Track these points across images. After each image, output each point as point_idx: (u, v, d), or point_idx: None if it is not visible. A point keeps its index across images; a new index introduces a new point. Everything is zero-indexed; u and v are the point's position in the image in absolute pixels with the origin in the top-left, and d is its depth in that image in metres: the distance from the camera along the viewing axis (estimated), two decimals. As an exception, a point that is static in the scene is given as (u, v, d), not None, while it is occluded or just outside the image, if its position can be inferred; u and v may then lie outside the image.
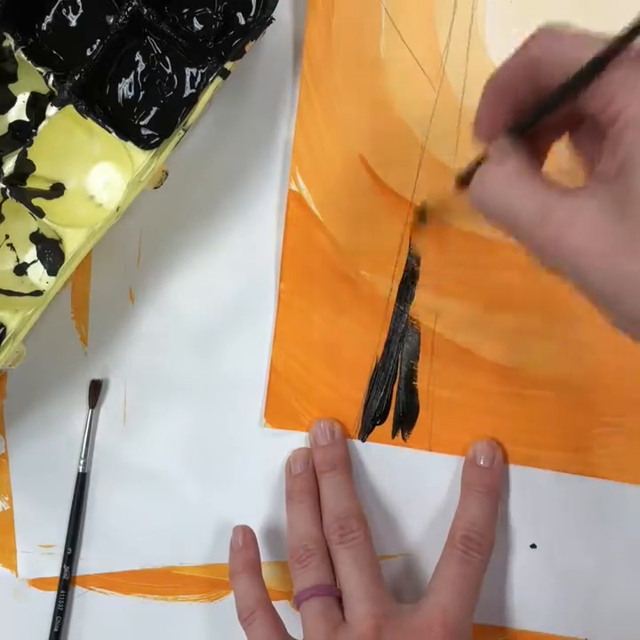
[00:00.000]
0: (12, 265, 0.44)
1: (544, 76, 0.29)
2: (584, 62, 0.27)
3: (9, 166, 0.42)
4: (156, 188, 0.43)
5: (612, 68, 0.27)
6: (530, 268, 0.44)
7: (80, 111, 0.41)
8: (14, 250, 0.44)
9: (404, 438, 0.45)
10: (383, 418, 0.45)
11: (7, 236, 0.44)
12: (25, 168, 0.42)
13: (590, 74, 0.27)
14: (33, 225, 0.43)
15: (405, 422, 0.45)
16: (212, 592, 0.47)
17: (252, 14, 0.42)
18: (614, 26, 0.42)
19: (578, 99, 0.28)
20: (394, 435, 0.45)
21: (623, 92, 0.27)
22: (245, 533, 0.44)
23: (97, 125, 0.41)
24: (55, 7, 0.43)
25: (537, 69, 0.29)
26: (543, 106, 0.29)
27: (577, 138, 0.32)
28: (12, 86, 0.43)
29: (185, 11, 0.42)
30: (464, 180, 0.35)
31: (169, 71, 0.43)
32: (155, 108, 0.43)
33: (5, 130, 0.43)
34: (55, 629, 0.47)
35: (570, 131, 0.32)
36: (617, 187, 0.27)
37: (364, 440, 0.45)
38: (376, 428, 0.45)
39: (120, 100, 0.43)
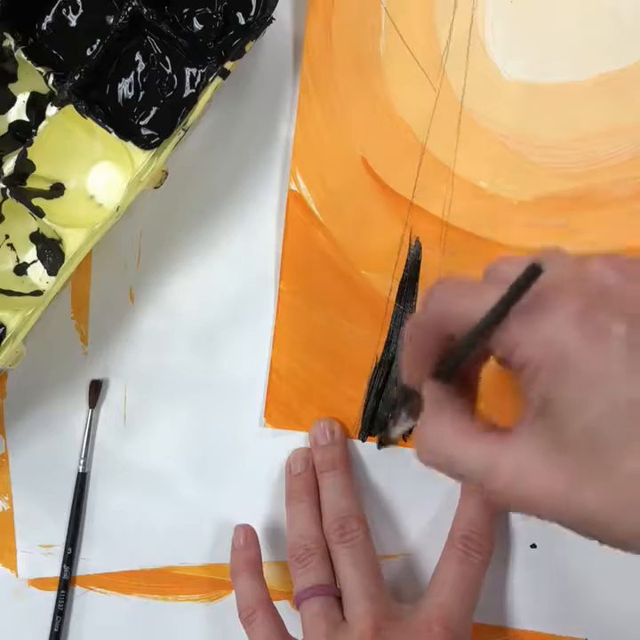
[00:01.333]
0: (12, 265, 0.44)
1: (451, 326, 0.30)
2: (482, 313, 0.28)
3: (9, 166, 0.42)
4: (156, 188, 0.44)
5: (512, 315, 0.27)
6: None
7: (80, 111, 0.41)
8: (14, 250, 0.44)
9: (404, 439, 0.45)
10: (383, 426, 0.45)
11: (7, 236, 0.44)
12: (25, 168, 0.42)
13: (491, 324, 0.28)
14: (33, 225, 0.43)
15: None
16: (212, 592, 0.47)
17: (252, 14, 0.42)
18: (614, 26, 0.42)
19: (486, 344, 0.29)
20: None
21: (526, 339, 0.27)
22: (247, 532, 0.45)
23: (97, 125, 0.41)
24: (55, 7, 0.43)
25: (443, 321, 0.30)
26: (455, 356, 0.31)
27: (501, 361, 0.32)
28: (11, 86, 0.43)
29: (185, 11, 0.42)
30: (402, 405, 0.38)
31: (169, 71, 0.43)
32: (155, 108, 0.43)
33: (5, 130, 0.43)
34: (55, 629, 0.47)
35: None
36: (547, 426, 0.27)
37: (364, 440, 0.45)
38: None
39: (120, 100, 0.43)
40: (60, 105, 0.41)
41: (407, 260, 0.44)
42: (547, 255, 0.28)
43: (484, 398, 0.34)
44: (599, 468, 0.26)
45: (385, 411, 0.45)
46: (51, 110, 0.41)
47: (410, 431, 0.43)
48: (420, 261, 0.44)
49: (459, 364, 0.31)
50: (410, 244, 0.44)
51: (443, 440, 0.30)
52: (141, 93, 0.43)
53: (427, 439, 0.31)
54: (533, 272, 0.26)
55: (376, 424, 0.45)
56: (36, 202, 0.42)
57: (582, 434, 0.26)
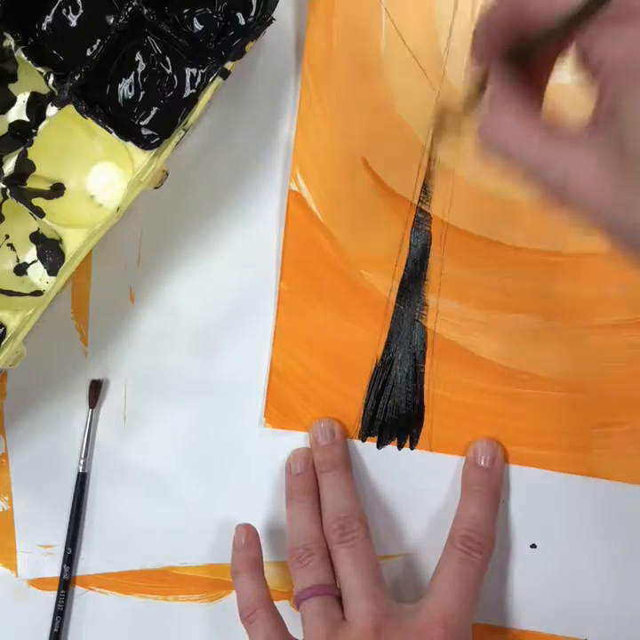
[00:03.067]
0: (12, 265, 0.44)
1: (528, 16, 0.28)
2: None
3: (9, 166, 0.42)
4: (156, 188, 0.43)
5: (600, 13, 0.26)
6: (530, 268, 0.44)
7: (80, 111, 0.41)
8: (14, 250, 0.44)
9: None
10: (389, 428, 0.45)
11: (7, 236, 0.44)
12: (25, 168, 0.42)
13: (577, 17, 0.26)
14: (33, 225, 0.43)
15: (411, 425, 0.45)
16: (213, 592, 0.47)
17: (252, 14, 0.42)
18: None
19: (567, 35, 0.28)
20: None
21: (611, 37, 0.26)
22: (248, 532, 0.44)
23: (97, 125, 0.41)
24: (55, 7, 0.43)
25: (530, 5, 0.28)
26: (531, 42, 0.29)
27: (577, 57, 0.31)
28: (11, 86, 0.43)
29: (185, 11, 0.42)
30: (468, 107, 0.35)
31: (169, 71, 0.43)
32: (155, 108, 0.43)
33: (5, 130, 0.43)
34: (55, 629, 0.47)
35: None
36: (610, 134, 0.26)
37: (364, 440, 0.45)
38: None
39: (120, 99, 0.43)
40: (60, 105, 0.41)
41: (408, 256, 0.44)
42: None
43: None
44: None
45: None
46: (51, 110, 0.41)
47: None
48: (428, 250, 0.44)
49: (534, 49, 0.29)
50: (411, 240, 0.44)
51: (505, 128, 0.29)
52: (141, 93, 0.43)
53: (490, 128, 0.29)
54: None
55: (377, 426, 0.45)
56: (36, 202, 0.42)
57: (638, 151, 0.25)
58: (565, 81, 0.31)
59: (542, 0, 0.28)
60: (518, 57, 0.30)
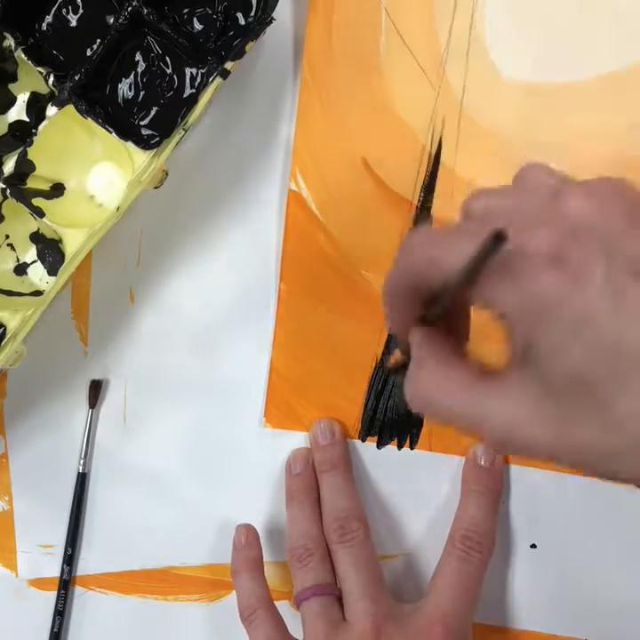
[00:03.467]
0: (12, 265, 0.44)
1: (425, 278, 0.29)
2: (453, 263, 0.27)
3: (9, 166, 0.42)
4: (156, 188, 0.43)
5: (484, 271, 0.26)
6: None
7: (80, 111, 0.41)
8: (14, 250, 0.44)
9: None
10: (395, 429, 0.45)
11: (7, 236, 0.44)
12: (25, 168, 0.42)
13: (462, 283, 0.27)
14: (33, 225, 0.43)
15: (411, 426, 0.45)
16: (213, 592, 0.47)
17: (252, 14, 0.42)
18: (614, 26, 0.42)
19: (462, 298, 0.28)
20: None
21: (501, 292, 0.26)
22: (248, 532, 0.44)
23: (97, 125, 0.41)
24: (55, 7, 0.43)
25: (416, 273, 0.29)
26: (434, 306, 0.30)
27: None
28: (11, 86, 0.43)
29: (185, 11, 0.42)
30: (398, 372, 0.36)
31: (169, 71, 0.43)
32: (155, 108, 0.43)
33: (5, 130, 0.43)
34: (55, 629, 0.47)
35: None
36: (532, 374, 0.27)
37: (363, 440, 0.45)
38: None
39: (120, 100, 0.43)
40: (60, 105, 0.41)
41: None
42: (518, 185, 0.28)
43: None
44: (591, 409, 0.25)
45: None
46: (51, 110, 0.41)
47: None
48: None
49: (438, 312, 0.30)
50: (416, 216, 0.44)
51: (429, 387, 0.29)
52: (141, 93, 0.43)
53: (414, 388, 0.30)
54: (496, 242, 0.25)
55: (376, 423, 0.45)
56: (36, 202, 0.42)
57: (569, 379, 0.25)
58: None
59: (433, 266, 0.28)
60: (433, 317, 0.30)
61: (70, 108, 0.41)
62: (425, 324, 0.31)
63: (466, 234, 0.27)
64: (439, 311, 0.30)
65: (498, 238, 0.25)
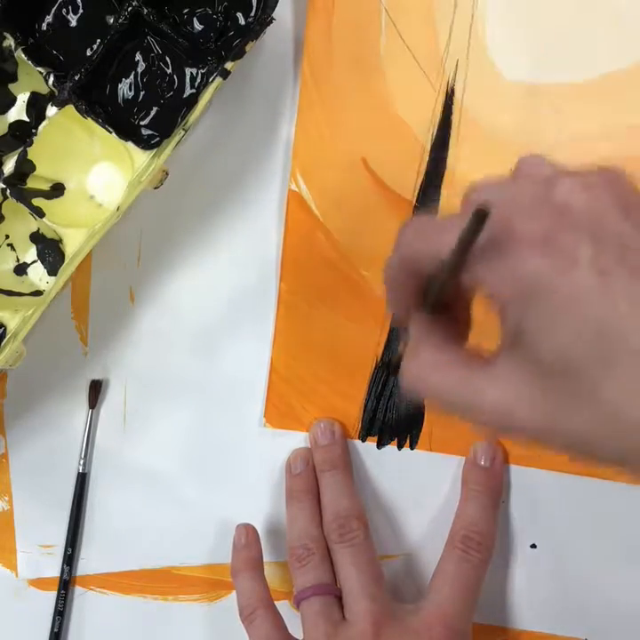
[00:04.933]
0: (12, 265, 0.44)
1: (422, 265, 0.29)
2: (447, 251, 0.27)
3: (9, 166, 0.42)
4: (156, 188, 0.43)
5: (474, 253, 0.27)
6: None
7: (80, 111, 0.41)
8: (14, 250, 0.44)
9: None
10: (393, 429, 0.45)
11: (7, 236, 0.44)
12: (25, 168, 0.42)
13: (453, 267, 0.27)
14: (33, 225, 0.43)
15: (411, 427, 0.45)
16: (212, 592, 0.47)
17: (252, 14, 0.42)
18: (614, 26, 0.42)
19: (457, 282, 0.28)
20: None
21: (491, 275, 0.27)
22: (248, 531, 0.45)
23: (97, 125, 0.41)
24: (55, 7, 0.43)
25: (414, 260, 0.30)
26: (430, 292, 0.30)
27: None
28: (12, 86, 0.43)
29: (185, 11, 0.42)
30: (396, 366, 0.36)
31: (169, 71, 0.43)
32: (155, 108, 0.43)
33: (5, 130, 0.43)
34: (55, 629, 0.47)
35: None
36: (523, 357, 0.27)
37: (363, 440, 0.46)
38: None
39: (120, 99, 0.43)
40: (60, 105, 0.41)
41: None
42: (508, 179, 0.28)
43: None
44: (579, 394, 0.26)
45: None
46: (51, 110, 0.41)
47: None
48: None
49: (434, 299, 0.30)
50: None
51: (424, 370, 0.30)
52: (141, 93, 0.43)
53: (409, 368, 0.30)
54: (480, 218, 0.25)
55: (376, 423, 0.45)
56: (36, 202, 0.42)
57: (556, 361, 0.26)
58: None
59: (427, 252, 0.29)
60: (431, 302, 0.31)
61: (70, 108, 0.41)
62: (425, 311, 0.31)
63: (458, 219, 0.27)
64: (434, 297, 0.30)
65: (479, 215, 0.25)
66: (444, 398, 0.29)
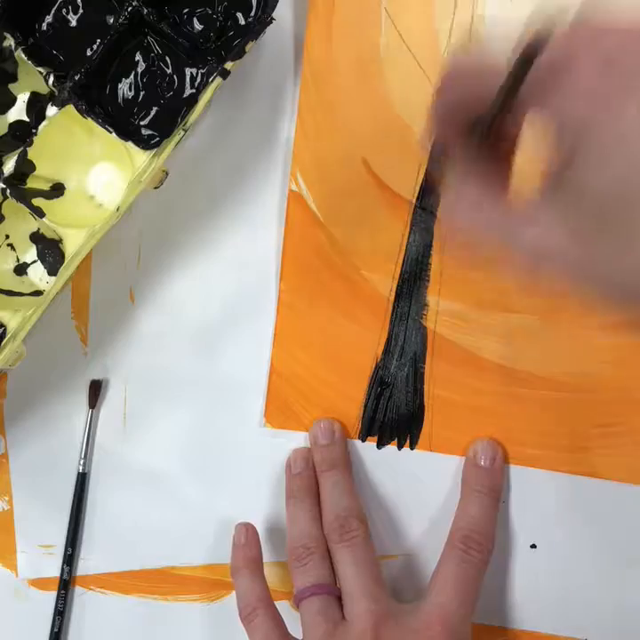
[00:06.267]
0: (12, 265, 0.44)
1: (477, 89, 0.29)
2: (509, 64, 0.27)
3: (9, 166, 0.42)
4: (156, 188, 0.44)
5: (536, 76, 0.26)
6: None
7: (80, 111, 0.41)
8: (14, 250, 0.44)
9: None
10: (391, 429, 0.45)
11: (7, 236, 0.44)
12: (25, 168, 0.42)
13: (510, 91, 0.27)
14: (33, 225, 0.43)
15: (411, 426, 0.45)
16: (212, 592, 0.47)
17: (252, 14, 0.42)
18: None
19: (512, 108, 0.28)
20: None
21: (551, 97, 0.26)
22: (248, 530, 0.44)
23: (97, 125, 0.41)
24: (55, 7, 0.43)
25: (469, 85, 0.29)
26: (483, 120, 0.30)
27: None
28: (12, 86, 0.43)
29: (185, 11, 0.42)
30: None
31: (169, 71, 0.43)
32: (155, 108, 0.43)
33: (5, 130, 0.43)
34: (55, 629, 0.47)
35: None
36: (567, 192, 0.26)
37: (363, 440, 0.45)
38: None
39: (120, 100, 0.43)
40: (60, 105, 0.41)
41: (408, 256, 0.44)
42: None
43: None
44: (619, 223, 0.25)
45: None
46: (51, 110, 0.41)
47: None
48: (428, 250, 0.44)
49: (490, 124, 0.29)
50: (411, 240, 0.44)
51: (464, 206, 0.29)
52: (141, 93, 0.43)
53: (449, 203, 0.30)
54: (532, 49, 0.25)
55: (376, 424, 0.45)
56: (36, 202, 0.42)
57: (602, 197, 0.25)
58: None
59: (480, 75, 0.28)
60: (477, 135, 0.30)
61: (70, 108, 0.41)
62: (471, 150, 0.30)
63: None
64: (481, 135, 0.29)
65: (531, 47, 0.25)
66: (482, 234, 0.29)
